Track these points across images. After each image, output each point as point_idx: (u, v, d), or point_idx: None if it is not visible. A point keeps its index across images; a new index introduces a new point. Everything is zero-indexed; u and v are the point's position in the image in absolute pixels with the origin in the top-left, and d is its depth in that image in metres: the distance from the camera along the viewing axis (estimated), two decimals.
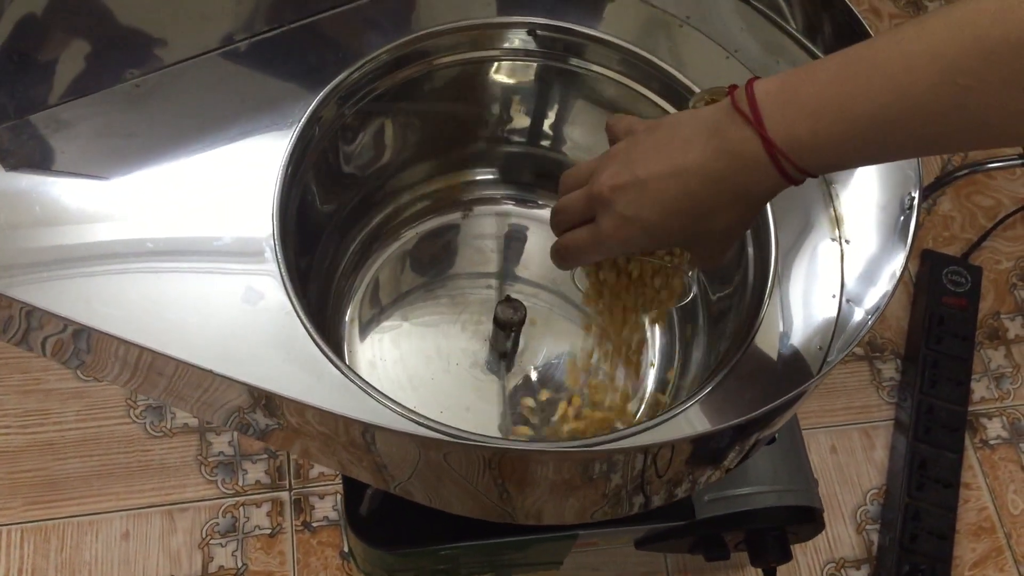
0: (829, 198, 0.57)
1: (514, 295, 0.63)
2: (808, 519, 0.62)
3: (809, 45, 0.58)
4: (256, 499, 0.85)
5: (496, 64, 0.64)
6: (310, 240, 0.61)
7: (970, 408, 0.98)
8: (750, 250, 0.57)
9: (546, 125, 0.69)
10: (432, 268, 0.68)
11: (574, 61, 0.64)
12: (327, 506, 0.85)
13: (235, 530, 0.84)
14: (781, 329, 0.53)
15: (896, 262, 0.51)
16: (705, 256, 0.49)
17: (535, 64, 0.64)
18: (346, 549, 0.83)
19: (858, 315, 0.52)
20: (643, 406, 0.63)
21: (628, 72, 0.63)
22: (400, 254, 0.68)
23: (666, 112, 0.61)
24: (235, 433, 0.87)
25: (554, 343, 0.66)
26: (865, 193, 0.56)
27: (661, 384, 0.64)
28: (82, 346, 0.50)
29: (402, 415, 0.47)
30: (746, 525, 0.61)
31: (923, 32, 0.36)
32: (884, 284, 0.52)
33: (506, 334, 0.62)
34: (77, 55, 0.54)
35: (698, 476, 0.52)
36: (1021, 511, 0.94)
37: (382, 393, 0.47)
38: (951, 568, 0.87)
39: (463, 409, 0.63)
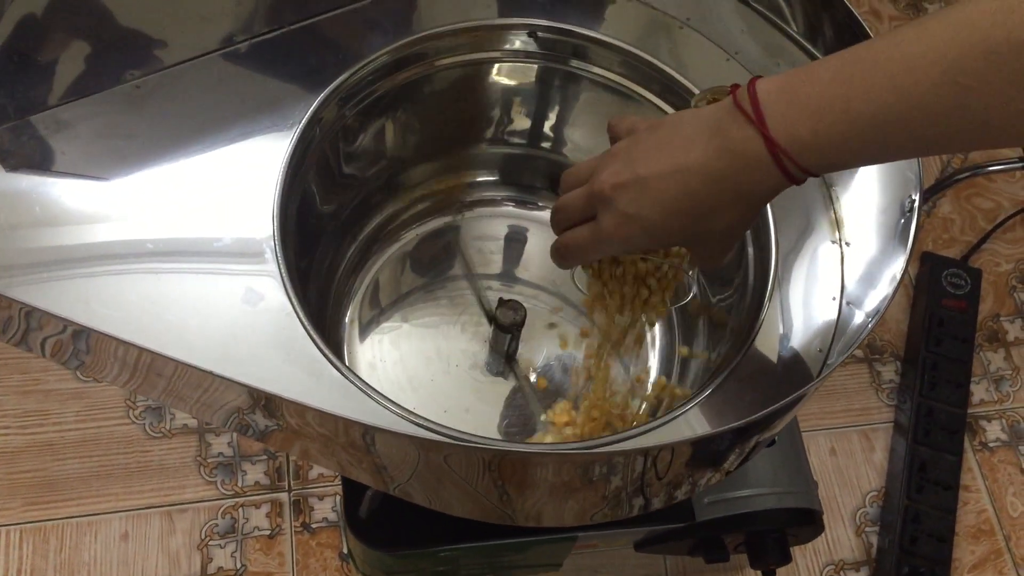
0: (830, 200, 0.57)
1: (514, 296, 0.63)
2: (808, 521, 0.62)
3: (809, 47, 0.58)
4: (255, 500, 0.85)
5: (497, 66, 0.64)
6: (310, 241, 0.61)
7: (969, 410, 0.98)
8: (750, 252, 0.57)
9: (546, 127, 0.69)
10: (432, 269, 0.68)
11: (575, 63, 0.64)
12: (326, 507, 0.85)
13: (234, 531, 0.84)
14: (781, 331, 0.53)
15: (896, 265, 0.51)
16: (705, 256, 0.48)
17: (536, 66, 0.64)
18: (345, 550, 0.83)
19: (858, 318, 0.52)
20: (643, 407, 0.63)
21: (629, 74, 0.63)
22: (400, 255, 0.68)
23: (667, 113, 0.61)
24: (234, 434, 0.87)
25: (554, 344, 0.66)
26: (866, 196, 0.56)
27: (661, 385, 0.64)
28: (81, 347, 0.50)
29: (402, 417, 0.47)
30: (746, 527, 0.61)
31: (924, 32, 0.37)
32: (884, 287, 0.52)
33: (506, 335, 0.62)
34: (77, 56, 0.54)
35: (698, 478, 0.52)
36: (1020, 514, 0.94)
37: (382, 395, 0.47)
38: (950, 570, 0.87)
39: (463, 410, 0.63)
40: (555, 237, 0.51)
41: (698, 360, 0.63)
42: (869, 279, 0.53)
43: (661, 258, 0.55)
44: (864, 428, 0.97)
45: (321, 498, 0.86)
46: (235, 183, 0.54)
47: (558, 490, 0.49)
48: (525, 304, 0.61)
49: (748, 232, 0.57)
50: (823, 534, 0.65)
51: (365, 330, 0.65)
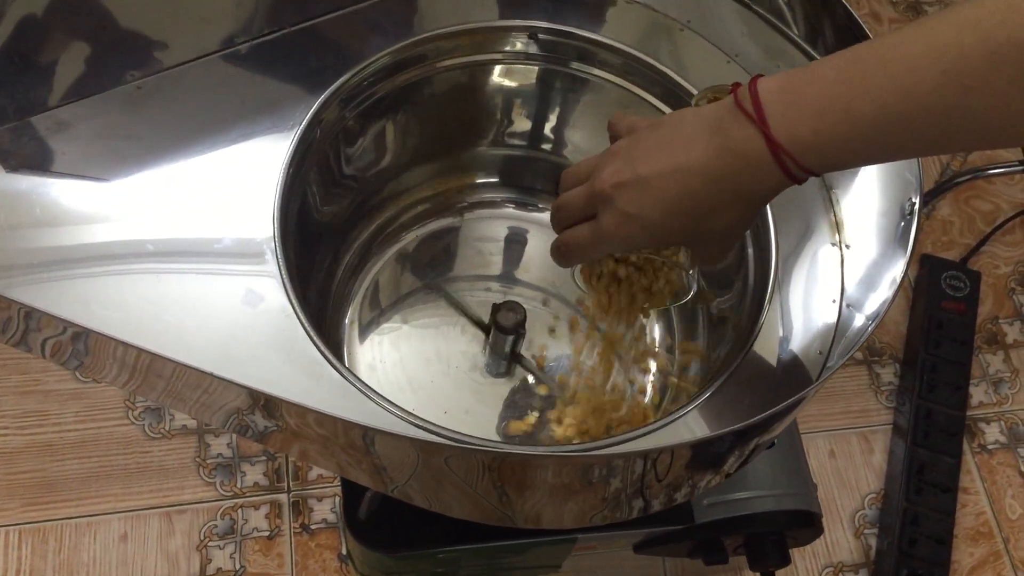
0: (830, 203, 0.57)
1: (514, 298, 0.63)
2: (807, 523, 0.62)
3: (810, 50, 0.58)
4: (254, 501, 0.85)
5: (497, 67, 0.65)
6: (310, 242, 0.61)
7: (968, 413, 0.98)
8: (750, 254, 0.57)
9: (547, 129, 0.69)
10: (432, 271, 0.68)
11: (575, 65, 0.64)
12: (325, 508, 0.85)
13: (233, 532, 0.83)
14: (781, 334, 0.53)
15: (896, 268, 0.51)
16: (705, 255, 0.49)
17: (536, 68, 0.64)
18: (344, 551, 0.83)
19: (858, 320, 0.52)
20: (643, 409, 0.63)
21: (629, 76, 0.63)
22: (400, 256, 0.68)
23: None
24: (234, 435, 0.87)
25: (553, 346, 0.66)
26: (866, 198, 0.56)
27: (661, 387, 0.64)
28: (81, 347, 0.50)
29: (402, 419, 0.47)
30: (745, 529, 0.61)
31: (926, 33, 0.37)
32: (884, 290, 0.52)
33: (506, 337, 0.62)
34: (78, 57, 0.54)
35: (697, 481, 0.52)
36: (1019, 516, 0.94)
37: (382, 396, 0.47)
38: (949, 573, 0.88)
39: (462, 412, 0.63)
40: (555, 237, 0.51)
41: (697, 361, 0.63)
42: (869, 282, 0.53)
43: (661, 257, 0.55)
44: (863, 430, 0.97)
45: (320, 499, 0.86)
46: (235, 184, 0.54)
47: (558, 492, 0.49)
48: (525, 306, 0.61)
49: (748, 234, 0.57)
50: (822, 536, 0.65)
51: (365, 331, 0.65)
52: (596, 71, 0.63)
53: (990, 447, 0.98)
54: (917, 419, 0.93)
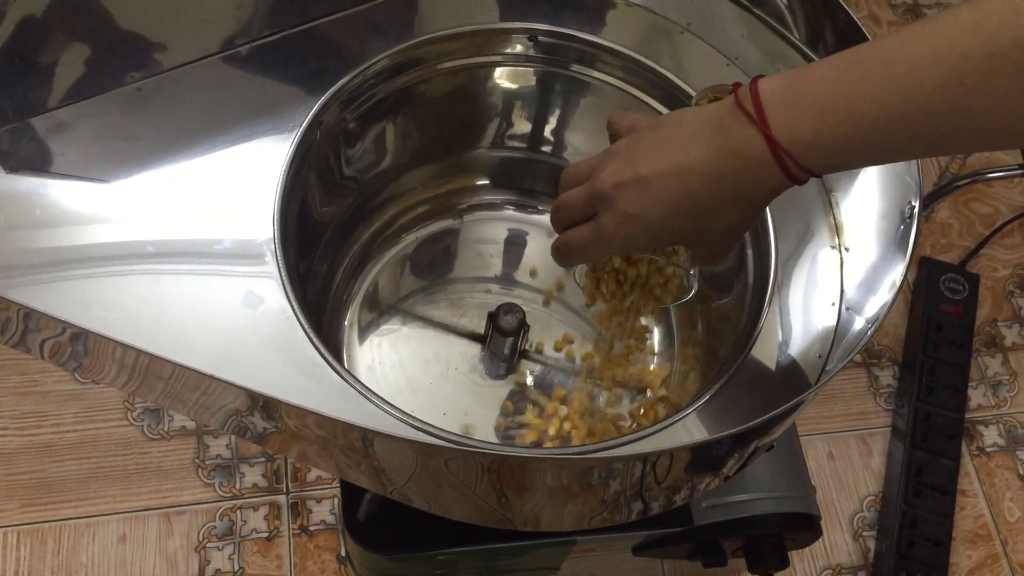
0: (829, 206, 0.57)
1: (513, 300, 0.63)
2: (806, 526, 0.62)
3: (810, 53, 0.58)
4: (253, 502, 0.85)
5: (498, 70, 0.65)
6: (310, 244, 0.61)
7: (967, 415, 0.98)
8: (750, 257, 0.57)
9: (547, 131, 0.69)
10: (432, 272, 0.68)
11: (575, 67, 0.64)
12: (324, 510, 0.85)
13: (232, 533, 0.83)
14: (780, 337, 0.53)
15: (896, 271, 0.51)
16: (706, 255, 0.48)
17: (537, 70, 0.64)
18: (343, 553, 0.83)
19: (858, 323, 0.52)
20: (642, 411, 0.63)
21: (629, 79, 0.63)
22: (400, 258, 0.68)
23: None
24: (232, 436, 0.87)
25: (552, 347, 0.66)
26: (865, 201, 0.56)
27: (659, 390, 0.64)
28: (80, 349, 0.50)
29: (402, 421, 0.47)
30: (744, 532, 0.61)
31: (928, 33, 0.37)
32: (884, 293, 0.52)
33: (506, 339, 0.62)
34: (78, 58, 0.54)
35: (697, 484, 0.52)
36: (1017, 519, 0.94)
37: (382, 398, 0.47)
38: (948, 575, 0.88)
39: (462, 414, 0.63)
40: (555, 238, 0.51)
41: (696, 363, 0.63)
42: (869, 285, 0.53)
43: (662, 257, 0.55)
44: (862, 432, 0.97)
45: (319, 501, 0.86)
46: (235, 185, 0.54)
47: (557, 494, 0.49)
48: (524, 307, 0.61)
49: (747, 236, 0.57)
50: (821, 539, 0.65)
51: (364, 333, 0.65)
52: (596, 74, 0.63)
53: (989, 450, 0.98)
54: (916, 422, 0.93)
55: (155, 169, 0.53)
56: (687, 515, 0.61)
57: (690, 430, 0.49)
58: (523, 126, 0.68)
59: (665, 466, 0.47)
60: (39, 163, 0.52)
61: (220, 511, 0.84)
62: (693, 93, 0.60)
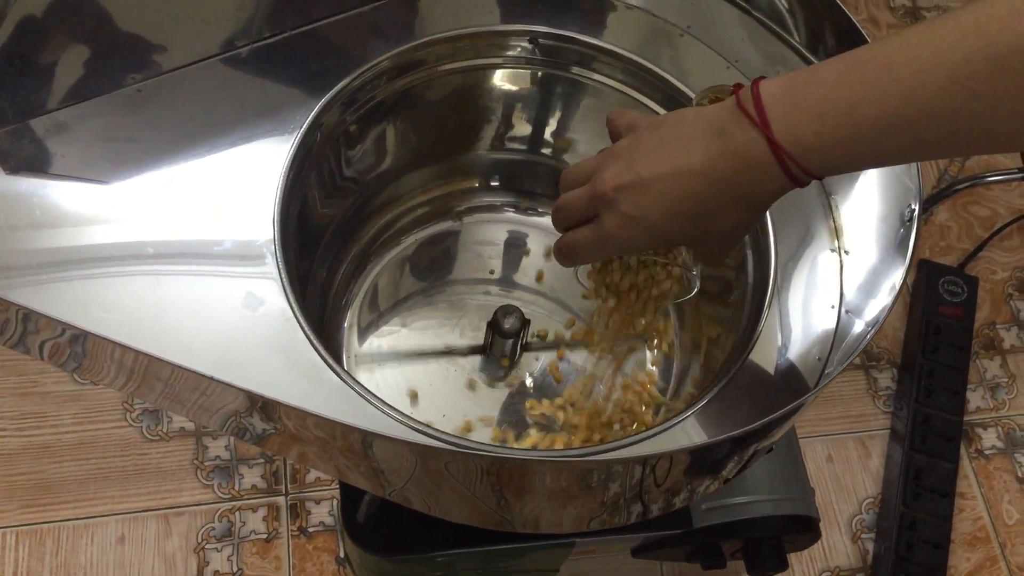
0: (829, 209, 0.57)
1: (513, 302, 0.63)
2: (805, 528, 0.62)
3: (810, 56, 0.59)
4: (252, 504, 0.85)
5: (498, 72, 0.65)
6: (310, 245, 0.61)
7: (966, 418, 0.98)
8: (750, 260, 0.57)
9: (547, 133, 0.69)
10: (431, 274, 0.68)
11: (576, 70, 0.64)
12: (323, 511, 0.85)
13: (231, 535, 0.83)
14: (780, 339, 0.53)
15: (896, 275, 0.52)
16: (707, 255, 0.48)
17: (537, 72, 0.64)
18: (342, 555, 0.83)
19: (857, 326, 0.52)
20: (643, 413, 0.63)
21: (629, 81, 0.63)
22: (399, 260, 0.68)
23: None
24: (232, 438, 0.87)
25: (551, 349, 0.66)
26: (865, 204, 0.56)
27: (660, 392, 0.64)
28: (79, 350, 0.50)
29: (402, 423, 0.47)
30: (743, 534, 0.61)
31: (932, 36, 0.36)
32: (883, 296, 0.52)
33: (506, 341, 0.62)
34: (78, 59, 0.54)
35: (696, 486, 0.52)
36: (1016, 521, 0.94)
37: (382, 400, 0.47)
38: None
39: (461, 415, 0.63)
40: (556, 240, 0.51)
41: (696, 366, 0.63)
42: (868, 288, 0.53)
43: (663, 257, 0.55)
44: (861, 435, 0.97)
45: (318, 502, 0.85)
46: (236, 187, 0.54)
47: (556, 497, 0.49)
48: (524, 309, 0.61)
49: (747, 239, 0.57)
50: (819, 541, 0.65)
51: (364, 334, 0.65)
52: (596, 76, 0.63)
53: (987, 452, 0.98)
54: (915, 424, 0.93)
55: (155, 170, 0.53)
56: (686, 517, 0.61)
57: (689, 433, 0.49)
58: (523, 128, 0.68)
59: (664, 469, 0.47)
60: (39, 164, 0.52)
61: (219, 512, 0.84)
62: (693, 95, 0.60)
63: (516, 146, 0.70)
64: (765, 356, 0.52)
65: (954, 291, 1.01)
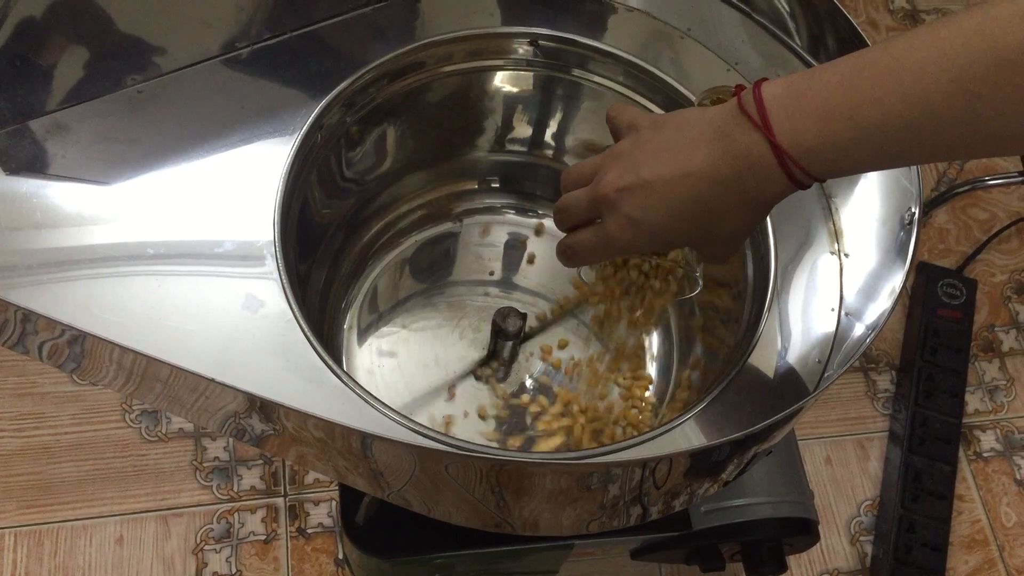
0: (829, 211, 0.57)
1: (513, 304, 0.63)
2: (804, 531, 0.62)
3: (810, 59, 0.59)
4: (251, 505, 0.85)
5: (499, 74, 0.65)
6: (310, 246, 0.61)
7: (964, 420, 0.98)
8: (749, 262, 0.57)
9: (548, 135, 0.69)
10: (431, 275, 0.68)
11: (576, 72, 0.64)
12: (322, 513, 0.85)
13: (229, 536, 0.83)
14: (780, 342, 0.53)
15: (896, 278, 0.52)
16: (709, 256, 0.49)
17: (538, 74, 0.65)
18: (341, 556, 0.83)
19: (857, 329, 0.52)
20: (642, 415, 0.63)
21: (630, 83, 0.63)
22: (399, 261, 0.68)
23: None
24: (231, 439, 0.87)
25: (553, 349, 0.66)
26: (865, 207, 0.56)
27: (660, 394, 0.64)
28: (78, 350, 0.50)
29: (402, 425, 0.47)
30: (742, 536, 0.61)
31: (935, 39, 0.36)
32: (883, 300, 0.52)
33: (504, 343, 0.62)
34: (79, 60, 0.54)
35: (695, 489, 0.52)
36: (1014, 524, 0.95)
37: (382, 402, 0.47)
38: None
39: (460, 418, 0.63)
40: (556, 242, 0.51)
41: (696, 367, 0.63)
42: (868, 291, 0.53)
43: (666, 258, 0.55)
44: (859, 437, 0.97)
45: (317, 503, 0.85)
46: (236, 188, 0.54)
47: (556, 499, 0.49)
48: (524, 311, 0.61)
49: (747, 242, 0.57)
50: (818, 543, 0.65)
51: (363, 336, 0.65)
52: (597, 78, 0.64)
53: (985, 455, 0.98)
54: (913, 426, 0.93)
55: (156, 171, 0.53)
56: (685, 519, 0.61)
57: (689, 436, 0.49)
58: (524, 130, 0.68)
59: (664, 472, 0.47)
60: (40, 165, 0.52)
61: (218, 513, 0.84)
62: (693, 98, 0.60)
63: (516, 148, 0.70)
64: (765, 359, 0.52)
65: (953, 294, 1.01)
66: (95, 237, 0.50)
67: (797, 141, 0.40)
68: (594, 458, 0.47)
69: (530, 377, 0.65)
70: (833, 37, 0.57)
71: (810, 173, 0.40)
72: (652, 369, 0.66)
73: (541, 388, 0.64)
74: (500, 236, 0.70)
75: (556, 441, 0.62)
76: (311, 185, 0.59)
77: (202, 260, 0.51)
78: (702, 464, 0.49)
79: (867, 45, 0.53)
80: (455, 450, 0.45)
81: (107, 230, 0.51)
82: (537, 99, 0.66)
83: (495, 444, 0.62)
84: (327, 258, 0.64)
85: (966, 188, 1.10)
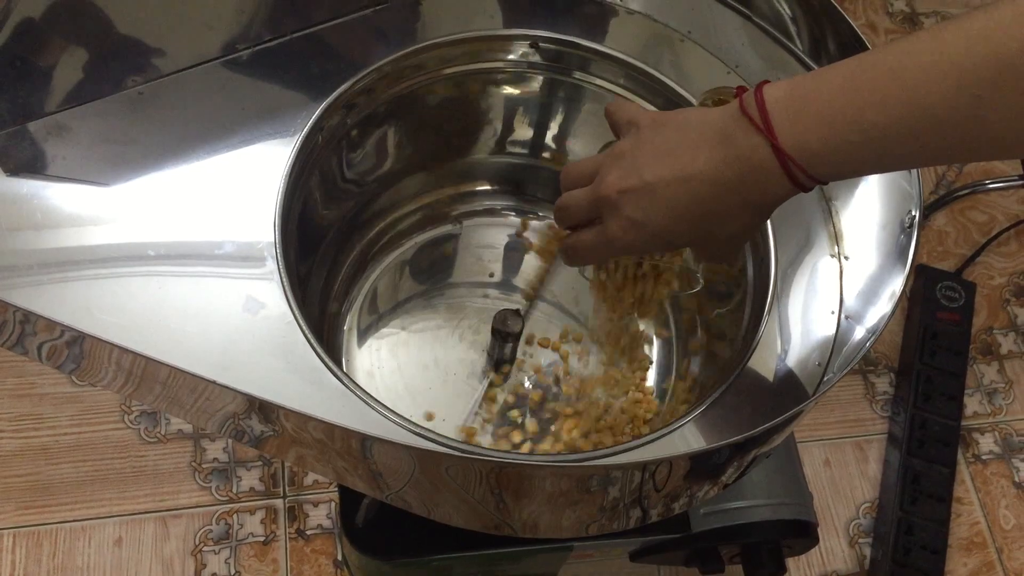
0: (829, 215, 0.57)
1: (512, 305, 0.63)
2: (803, 533, 0.62)
3: (811, 63, 0.59)
4: (250, 506, 0.85)
5: (499, 76, 0.65)
6: (311, 248, 0.61)
7: (963, 423, 0.98)
8: (750, 265, 0.58)
9: (548, 137, 0.69)
10: (431, 277, 0.68)
11: (577, 74, 0.64)
12: (321, 514, 0.85)
13: (228, 537, 0.83)
14: (780, 345, 0.53)
15: (896, 281, 0.52)
16: (711, 258, 0.49)
17: (538, 77, 0.65)
18: (340, 557, 0.83)
19: (857, 333, 0.52)
20: (642, 416, 0.63)
21: (630, 86, 0.63)
22: (399, 263, 0.68)
23: None
24: (230, 440, 0.87)
25: (551, 353, 0.66)
26: (865, 210, 0.56)
27: (660, 396, 0.64)
28: (77, 351, 0.49)
29: (402, 426, 0.47)
30: (741, 539, 0.62)
31: (938, 43, 0.36)
32: (883, 303, 0.52)
33: (504, 344, 0.62)
34: (79, 62, 0.54)
35: (695, 491, 0.52)
36: (1012, 526, 0.95)
37: (382, 404, 0.47)
38: None
39: (460, 419, 0.63)
40: (561, 242, 0.51)
41: (696, 369, 0.63)
42: (868, 294, 0.53)
43: (668, 260, 0.55)
44: (858, 439, 0.97)
45: (316, 505, 0.85)
46: (237, 189, 0.54)
47: (555, 501, 0.49)
48: (523, 312, 0.61)
49: (748, 245, 0.58)
50: (817, 545, 0.65)
51: (363, 337, 0.65)
52: (597, 80, 0.64)
53: (984, 457, 0.98)
54: (912, 429, 0.93)
55: (156, 173, 0.53)
56: (685, 522, 0.61)
57: (688, 439, 0.49)
58: (524, 132, 0.68)
59: (664, 474, 0.47)
60: (40, 166, 0.52)
61: (217, 515, 0.84)
62: (694, 100, 0.60)
63: (517, 150, 0.70)
64: (765, 362, 0.52)
65: (952, 296, 1.01)
66: (95, 238, 0.50)
67: (799, 144, 0.39)
68: (594, 460, 0.47)
69: (530, 378, 0.65)
70: (834, 40, 0.57)
71: (812, 176, 0.40)
72: (652, 368, 0.66)
73: (542, 389, 0.64)
74: (500, 238, 0.70)
75: (557, 442, 0.62)
76: (312, 187, 0.59)
77: (202, 261, 0.51)
78: (702, 467, 0.49)
79: (867, 48, 0.53)
80: (455, 452, 0.45)
81: (107, 231, 0.51)
82: (537, 101, 0.66)
83: (495, 446, 0.62)
84: (327, 259, 0.64)
85: (965, 191, 1.10)
